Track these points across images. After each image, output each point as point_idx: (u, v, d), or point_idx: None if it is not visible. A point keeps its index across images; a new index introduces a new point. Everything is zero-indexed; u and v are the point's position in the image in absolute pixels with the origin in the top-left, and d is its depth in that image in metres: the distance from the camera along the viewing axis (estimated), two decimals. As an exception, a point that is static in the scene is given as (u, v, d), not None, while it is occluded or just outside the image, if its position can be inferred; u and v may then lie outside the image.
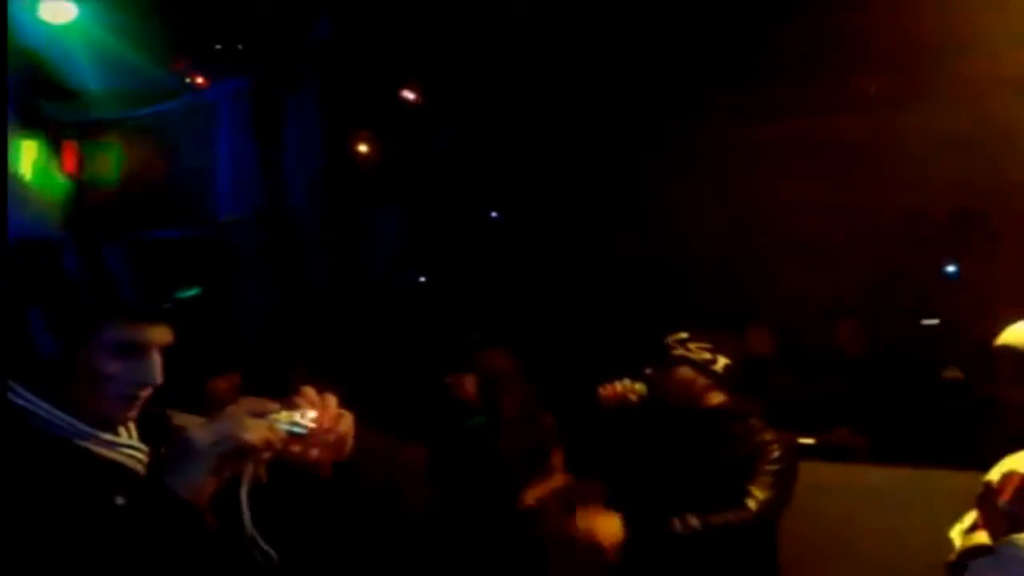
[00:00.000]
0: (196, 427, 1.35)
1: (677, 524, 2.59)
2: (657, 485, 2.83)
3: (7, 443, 1.35)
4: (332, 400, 1.46)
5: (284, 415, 1.39)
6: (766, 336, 5.03)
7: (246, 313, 5.39)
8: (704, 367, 2.86)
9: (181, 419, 1.52)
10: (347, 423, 1.47)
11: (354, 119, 5.56)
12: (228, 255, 5.53)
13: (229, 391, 3.50)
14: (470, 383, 3.82)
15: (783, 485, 2.69)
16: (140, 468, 1.46)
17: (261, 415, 1.37)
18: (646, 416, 2.97)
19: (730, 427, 2.82)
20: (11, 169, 5.40)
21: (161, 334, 1.45)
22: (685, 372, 2.86)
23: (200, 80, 5.18)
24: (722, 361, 2.87)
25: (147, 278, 1.47)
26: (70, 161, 5.58)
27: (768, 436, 2.76)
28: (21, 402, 1.40)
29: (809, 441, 4.13)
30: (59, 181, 5.53)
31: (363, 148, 5.56)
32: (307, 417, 1.40)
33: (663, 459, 2.87)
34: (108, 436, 1.44)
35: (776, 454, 2.71)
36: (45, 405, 1.40)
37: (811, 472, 2.90)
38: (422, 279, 5.71)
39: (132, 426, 1.48)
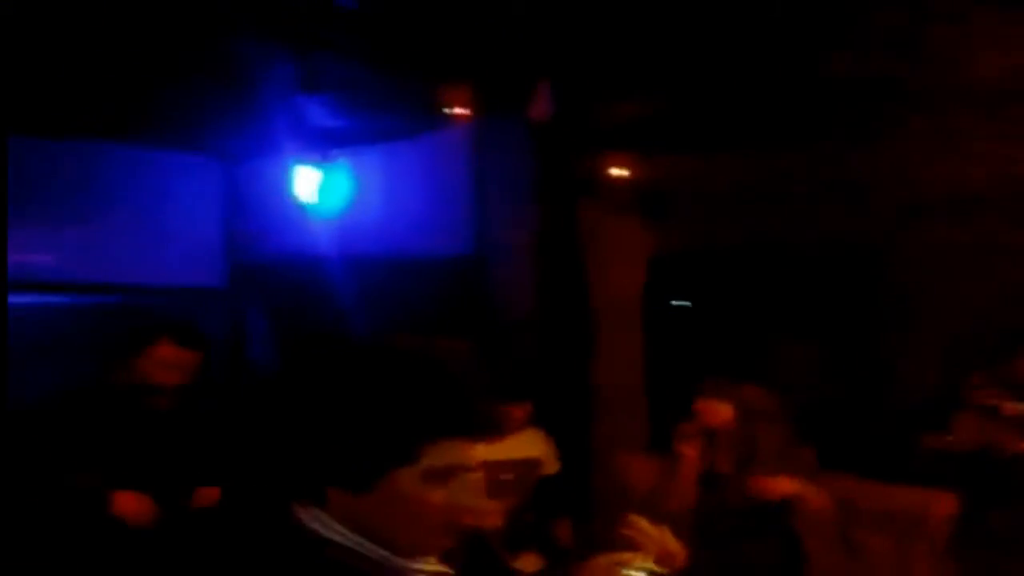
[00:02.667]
0: None
1: None
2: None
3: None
4: (665, 534, 1.43)
5: (638, 562, 1.33)
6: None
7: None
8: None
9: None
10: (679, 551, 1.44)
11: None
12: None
13: (522, 419, 3.93)
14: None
15: None
16: None
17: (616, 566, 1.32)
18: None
19: None
20: (291, 193, 6.16)
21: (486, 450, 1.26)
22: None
23: (461, 111, 5.53)
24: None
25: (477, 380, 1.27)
26: (302, 187, 6.09)
27: None
28: (330, 535, 1.23)
29: None
30: (331, 205, 6.17)
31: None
32: (655, 560, 1.36)
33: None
34: (418, 565, 1.28)
35: None
36: (355, 537, 1.23)
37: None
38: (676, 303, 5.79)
39: None
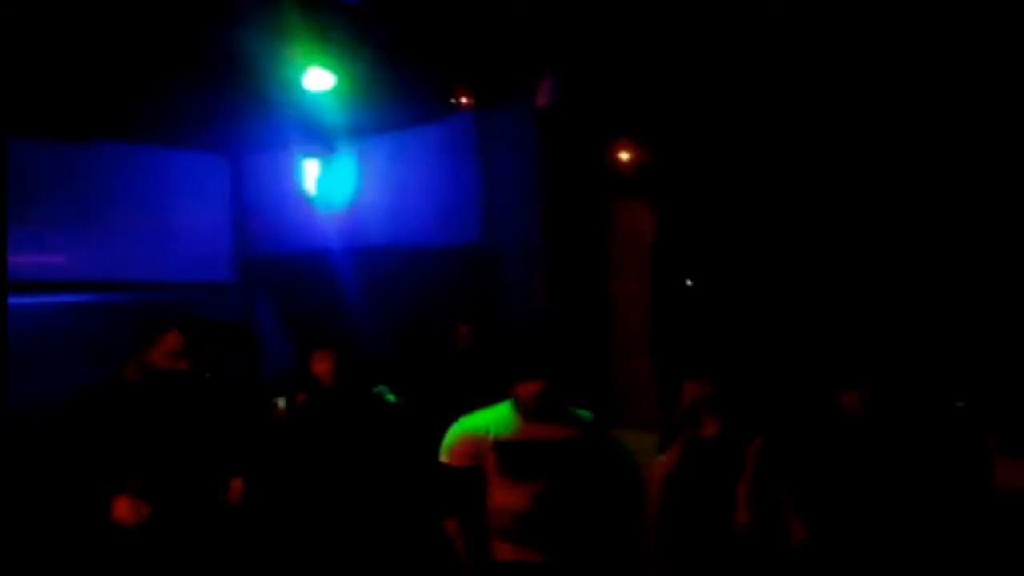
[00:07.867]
0: None
1: None
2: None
3: None
4: None
5: None
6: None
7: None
8: None
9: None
10: None
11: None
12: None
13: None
14: None
15: None
16: None
17: None
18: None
19: None
20: (299, 187, 6.19)
21: None
22: None
23: (464, 100, 5.52)
24: None
25: None
26: (307, 180, 6.19)
27: None
28: None
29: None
30: (337, 197, 6.20)
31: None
32: None
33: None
34: None
35: None
36: None
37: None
38: (688, 283, 5.72)
39: None
